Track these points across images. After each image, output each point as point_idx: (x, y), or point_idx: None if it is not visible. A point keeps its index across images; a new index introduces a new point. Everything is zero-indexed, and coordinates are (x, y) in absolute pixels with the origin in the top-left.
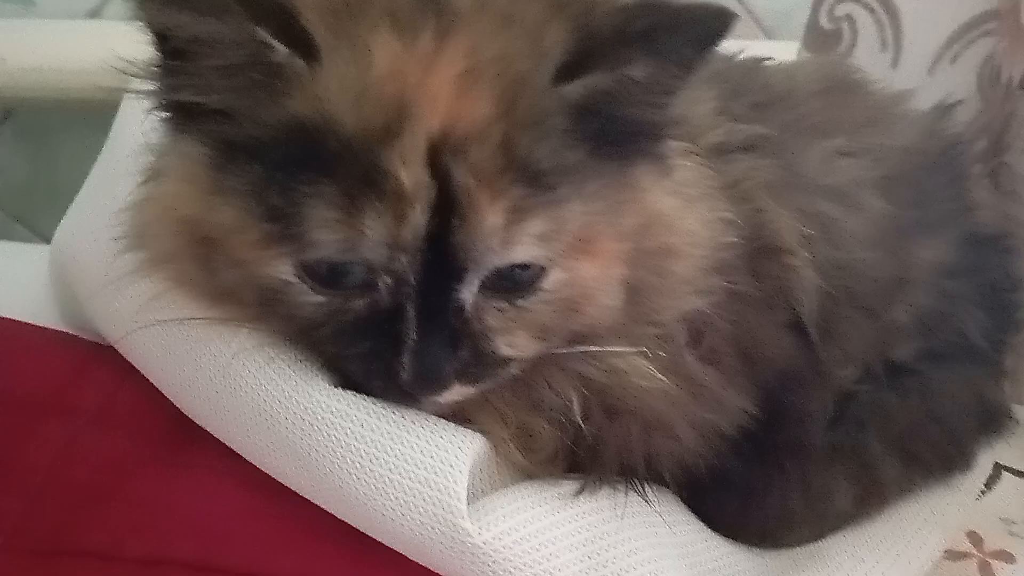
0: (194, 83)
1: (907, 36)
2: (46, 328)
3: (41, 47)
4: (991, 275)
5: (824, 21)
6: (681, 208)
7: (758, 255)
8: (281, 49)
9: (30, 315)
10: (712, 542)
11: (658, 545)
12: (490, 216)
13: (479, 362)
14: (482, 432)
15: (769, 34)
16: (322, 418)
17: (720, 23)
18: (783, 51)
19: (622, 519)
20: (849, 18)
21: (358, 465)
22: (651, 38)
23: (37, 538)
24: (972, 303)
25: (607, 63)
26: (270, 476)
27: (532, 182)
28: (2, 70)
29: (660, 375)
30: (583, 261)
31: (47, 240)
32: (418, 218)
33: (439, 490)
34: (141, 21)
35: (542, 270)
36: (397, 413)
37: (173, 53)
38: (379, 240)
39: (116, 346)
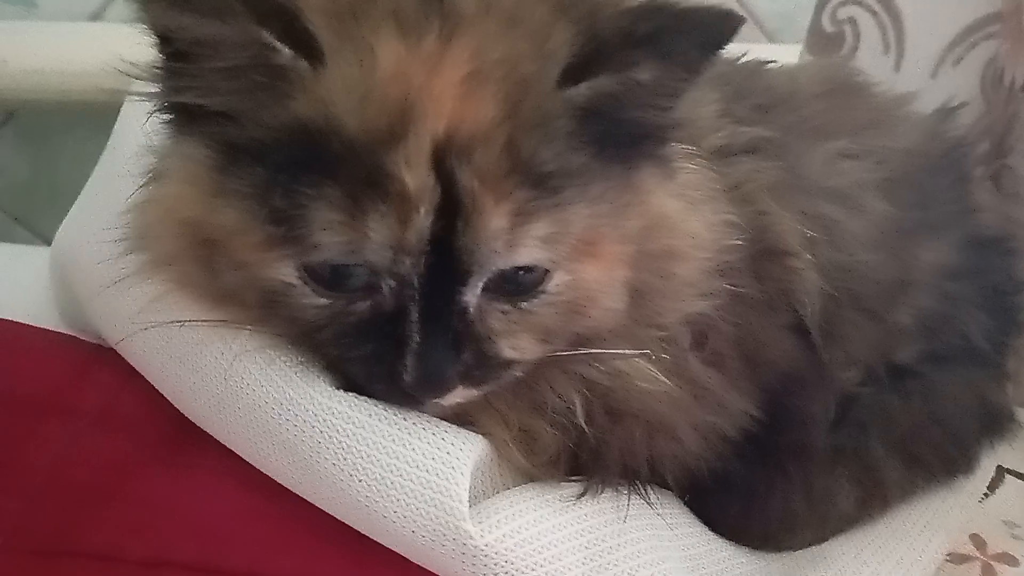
0: (197, 85)
1: (910, 39)
2: (47, 329)
3: (43, 49)
4: (993, 277)
5: (827, 24)
6: (685, 211)
7: (761, 257)
8: (285, 51)
9: (31, 317)
10: (714, 545)
11: (660, 548)
12: (494, 219)
13: (482, 364)
14: (484, 434)
15: (771, 37)
16: (323, 420)
17: (727, 26)
18: (785, 54)
19: (624, 522)
20: (852, 21)
21: (359, 467)
22: (657, 41)
23: (37, 539)
24: (974, 305)
25: (613, 66)
26: (270, 477)
27: (537, 185)
28: (4, 72)
29: (663, 377)
30: (587, 263)
31: (48, 242)
32: (422, 220)
33: (441, 492)
34: (144, 23)
35: (546, 273)
36: (399, 415)
37: (176, 55)
38: (383, 242)
39: (117, 348)
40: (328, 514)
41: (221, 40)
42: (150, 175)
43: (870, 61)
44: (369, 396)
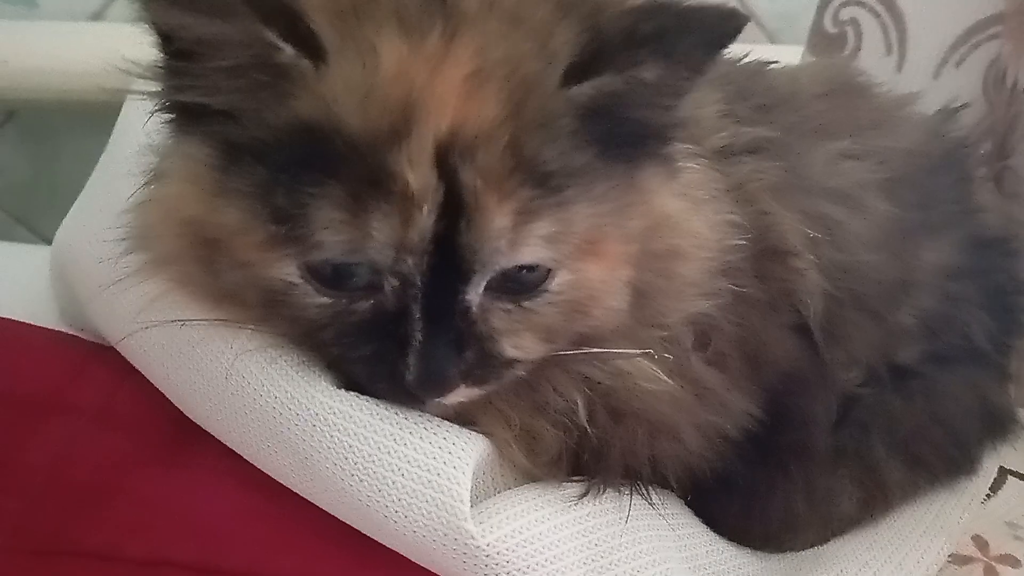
0: (199, 84)
1: (912, 40)
2: (46, 328)
3: (43, 49)
4: (995, 278)
5: (829, 25)
6: (688, 210)
7: (763, 257)
8: (287, 50)
9: (30, 315)
10: (716, 545)
11: (662, 548)
12: (497, 218)
13: (484, 364)
14: (486, 434)
15: (773, 38)
16: (324, 419)
17: (730, 25)
18: (787, 55)
19: (626, 522)
20: (854, 22)
21: (360, 466)
22: (661, 40)
23: (37, 538)
24: (976, 306)
25: (617, 65)
26: (271, 477)
27: (540, 184)
28: (4, 71)
29: (665, 377)
30: (590, 263)
31: (48, 241)
32: (425, 220)
33: (442, 492)
34: (146, 22)
35: (548, 272)
36: (400, 415)
37: (178, 54)
38: (385, 241)
39: (117, 347)
40: (329, 514)
41: (223, 39)
42: (151, 175)
43: (872, 62)
44: (371, 395)
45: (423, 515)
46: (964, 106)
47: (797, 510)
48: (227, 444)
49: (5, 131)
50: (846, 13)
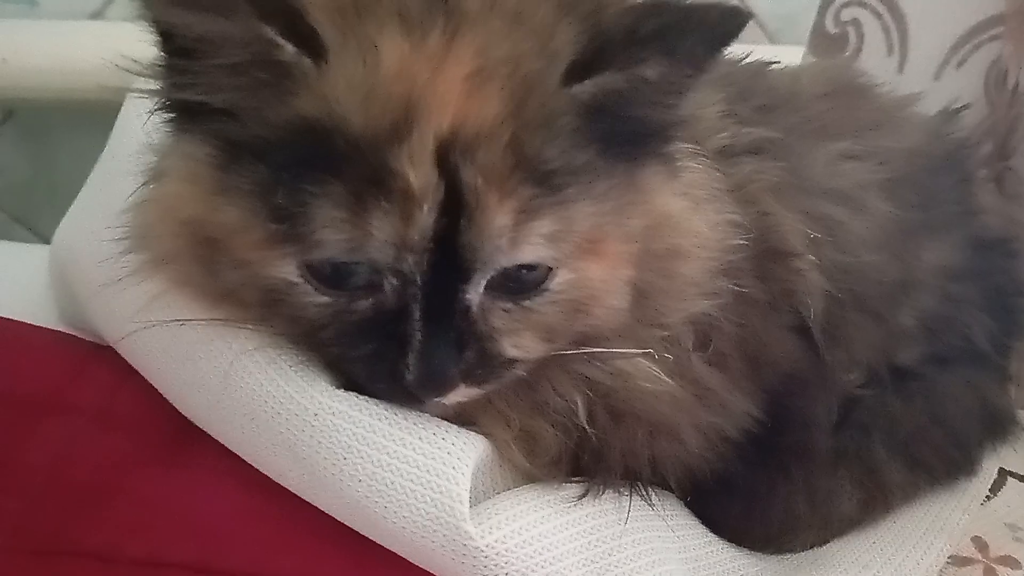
0: (199, 82)
1: (913, 40)
2: (45, 328)
3: (43, 47)
4: (996, 279)
5: (830, 25)
6: (689, 210)
7: (764, 258)
8: (288, 48)
9: (30, 315)
10: (716, 547)
11: (661, 549)
12: (498, 216)
13: (485, 363)
14: (485, 434)
15: (773, 39)
16: (323, 419)
17: (732, 23)
18: (788, 56)
19: (626, 523)
20: (855, 22)
21: (359, 467)
22: (663, 38)
23: (37, 538)
24: (977, 307)
25: (618, 63)
26: (270, 477)
27: (541, 182)
28: (4, 70)
29: (666, 377)
30: (590, 262)
31: (47, 241)
32: (425, 218)
33: (441, 493)
34: (147, 19)
35: (549, 271)
36: (399, 415)
37: (178, 52)
38: (386, 240)
39: (115, 347)
40: (328, 514)
41: (224, 37)
42: (150, 174)
43: (874, 63)
44: (370, 395)
45: (422, 516)
46: (965, 107)
47: (797, 511)
48: (225, 444)
49: (4, 130)
50: (847, 14)
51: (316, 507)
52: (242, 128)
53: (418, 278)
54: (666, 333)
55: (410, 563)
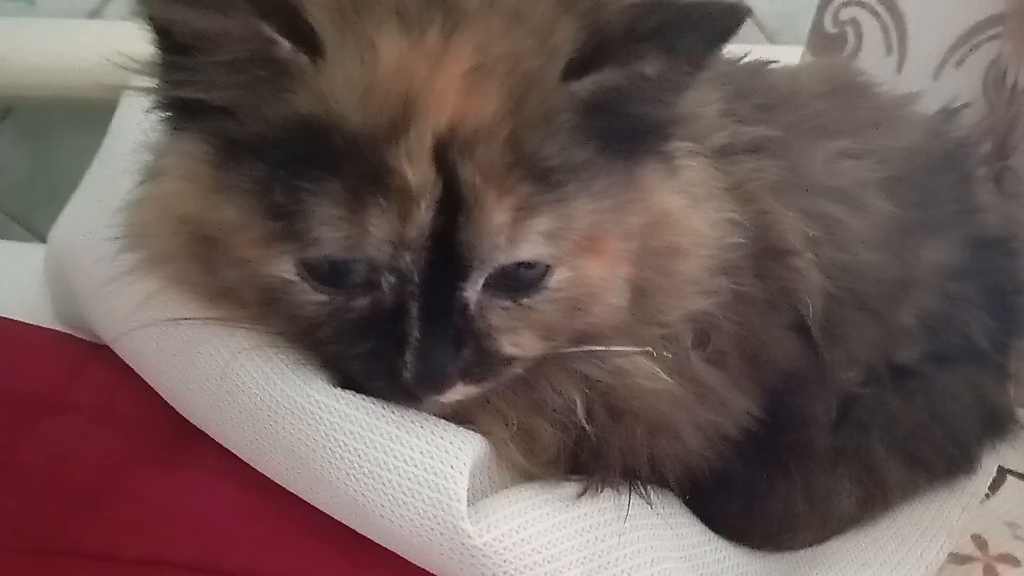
0: (197, 79)
1: (912, 40)
2: (44, 327)
3: (41, 46)
4: (995, 278)
5: (829, 25)
6: (688, 208)
7: (763, 256)
8: (286, 45)
9: (28, 315)
10: (715, 545)
11: (660, 548)
12: (497, 214)
13: (483, 361)
14: (483, 433)
15: (772, 39)
16: (320, 418)
17: (731, 20)
18: (787, 56)
19: (624, 521)
20: (854, 22)
21: (356, 465)
22: (662, 35)
23: (36, 538)
24: (976, 305)
25: (618, 59)
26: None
27: (540, 180)
28: (2, 68)
29: (665, 376)
30: (589, 260)
31: (45, 239)
32: (423, 216)
33: (439, 491)
34: (144, 16)
35: (548, 268)
36: (397, 413)
37: (175, 49)
38: (383, 238)
39: (112, 346)
40: (327, 514)
41: (221, 33)
42: (147, 172)
43: (872, 62)
44: (368, 394)
45: (420, 514)
46: (964, 106)
47: (797, 509)
48: (223, 444)
49: (3, 129)
50: (846, 13)
51: (315, 506)
52: (240, 126)
53: (416, 276)
54: (665, 331)
55: (408, 562)
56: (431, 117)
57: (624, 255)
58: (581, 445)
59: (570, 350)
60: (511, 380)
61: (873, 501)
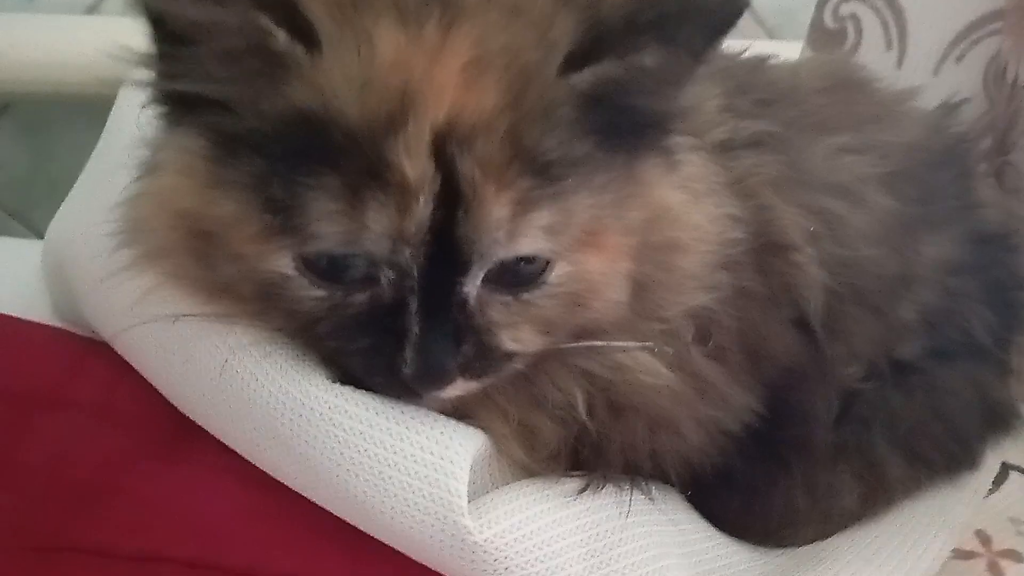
0: (193, 71)
1: (912, 35)
2: (42, 324)
3: (40, 42)
4: (996, 273)
5: (828, 20)
6: (688, 203)
7: (763, 252)
8: (282, 36)
9: (27, 311)
10: (716, 541)
11: (661, 544)
12: (496, 208)
13: (483, 357)
14: (483, 429)
15: (772, 34)
16: (320, 414)
17: (731, 11)
18: (787, 52)
19: (625, 517)
20: (854, 17)
21: (356, 461)
22: (662, 26)
23: (36, 535)
24: (977, 301)
25: (617, 51)
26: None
27: (539, 174)
28: (1, 64)
29: (665, 371)
30: (589, 254)
31: (43, 236)
32: (422, 210)
33: (439, 487)
34: (139, 5)
35: (547, 263)
36: (397, 409)
37: (171, 38)
38: (382, 232)
39: (111, 342)
40: (327, 510)
41: (217, 23)
42: (144, 167)
43: (872, 58)
44: (367, 389)
45: (420, 510)
46: (964, 101)
47: (797, 505)
48: (222, 440)
49: (1, 125)
50: (846, 9)
51: (315, 503)
52: (237, 120)
53: (415, 271)
54: (665, 326)
55: (408, 558)
56: (429, 111)
57: (624, 250)
58: (582, 441)
59: (570, 345)
60: (511, 376)
61: (874, 497)
